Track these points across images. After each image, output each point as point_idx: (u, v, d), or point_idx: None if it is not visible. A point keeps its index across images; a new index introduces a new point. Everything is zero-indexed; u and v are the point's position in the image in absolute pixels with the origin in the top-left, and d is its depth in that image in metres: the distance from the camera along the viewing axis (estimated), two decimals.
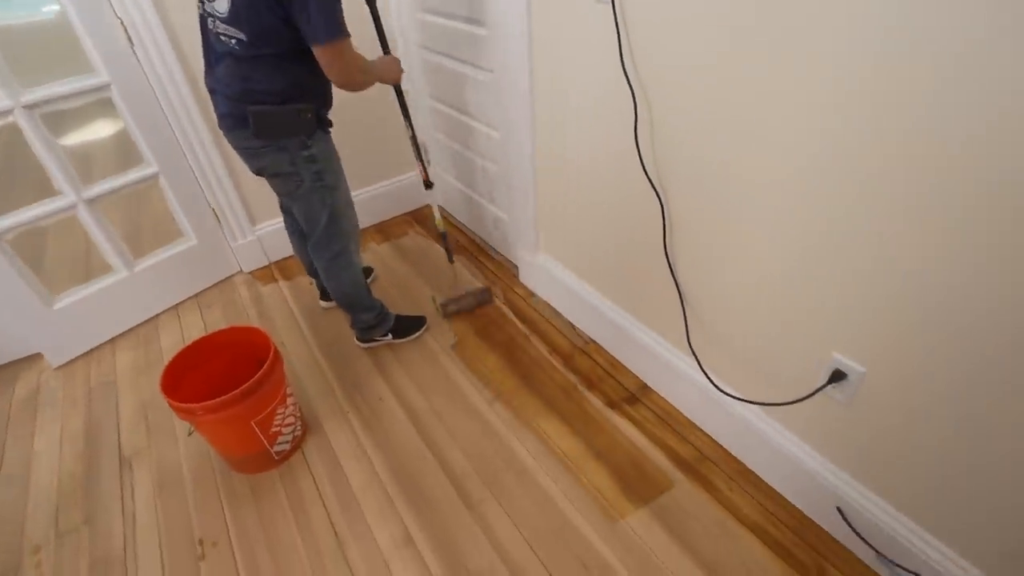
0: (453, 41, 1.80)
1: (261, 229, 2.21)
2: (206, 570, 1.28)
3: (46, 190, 1.73)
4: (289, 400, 1.45)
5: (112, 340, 1.98)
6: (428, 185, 1.86)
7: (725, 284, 1.21)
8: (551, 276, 1.83)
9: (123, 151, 1.89)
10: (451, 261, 2.04)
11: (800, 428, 1.21)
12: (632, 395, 1.57)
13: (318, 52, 1.21)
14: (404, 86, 1.62)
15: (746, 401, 1.27)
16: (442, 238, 1.96)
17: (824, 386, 1.08)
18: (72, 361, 1.91)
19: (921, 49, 0.73)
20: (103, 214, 1.84)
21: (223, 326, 1.47)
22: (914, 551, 1.05)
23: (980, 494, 0.93)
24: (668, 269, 1.32)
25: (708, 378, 1.31)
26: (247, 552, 1.31)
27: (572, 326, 1.82)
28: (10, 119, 1.57)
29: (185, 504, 1.42)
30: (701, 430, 1.45)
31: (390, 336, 1.80)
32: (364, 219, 2.08)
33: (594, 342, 1.75)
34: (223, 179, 2.02)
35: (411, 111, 2.27)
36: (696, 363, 1.34)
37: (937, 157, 0.77)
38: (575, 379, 1.65)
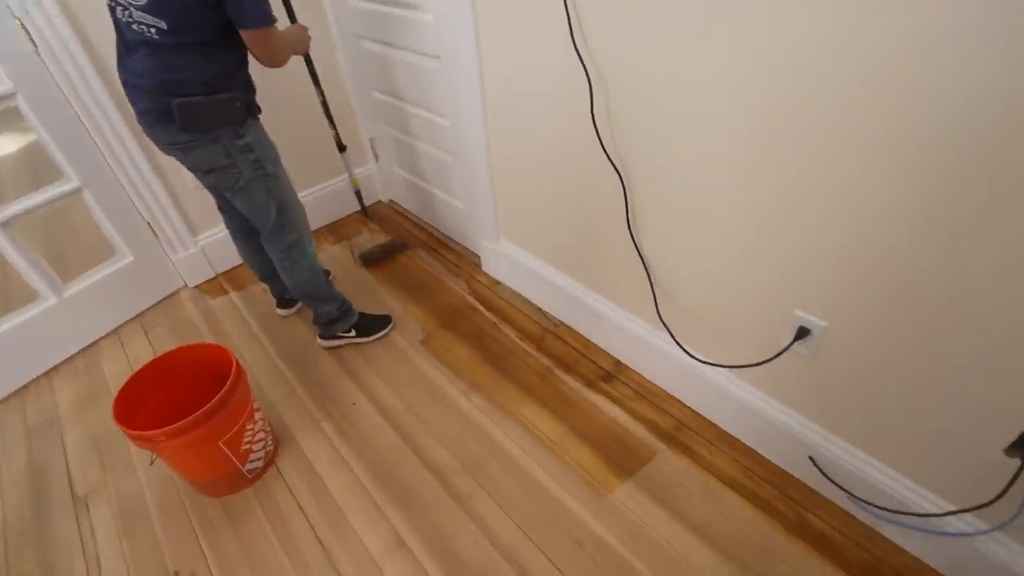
0: (395, 29, 1.74)
1: (204, 239, 2.09)
2: None
3: None
4: (257, 415, 1.38)
5: (47, 373, 1.82)
6: (341, 147, 1.93)
7: (689, 256, 1.24)
8: (515, 263, 1.82)
9: (36, 166, 1.73)
10: (366, 216, 2.24)
11: (771, 387, 1.26)
12: (608, 373, 1.60)
13: (248, 37, 1.19)
14: (315, 56, 1.68)
15: (719, 366, 1.31)
16: (357, 196, 2.11)
17: (791, 344, 1.12)
18: (3, 400, 1.75)
19: (864, 9, 0.76)
20: (20, 237, 1.68)
21: (173, 346, 1.38)
22: (882, 488, 1.12)
23: (938, 430, 1.00)
24: (633, 246, 1.34)
25: (682, 348, 1.34)
26: None
27: (541, 311, 1.82)
28: None
29: (154, 537, 1.34)
30: (677, 400, 1.49)
31: (354, 333, 1.75)
32: (315, 220, 2.00)
33: (564, 324, 1.76)
34: (155, 188, 1.88)
35: (355, 105, 2.19)
36: (669, 336, 1.37)
37: (875, 123, 0.80)
38: (549, 362, 1.65)
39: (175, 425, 1.15)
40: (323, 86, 1.79)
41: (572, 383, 1.58)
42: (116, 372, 1.80)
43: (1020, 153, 0.71)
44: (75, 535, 1.36)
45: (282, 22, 1.44)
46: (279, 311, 1.93)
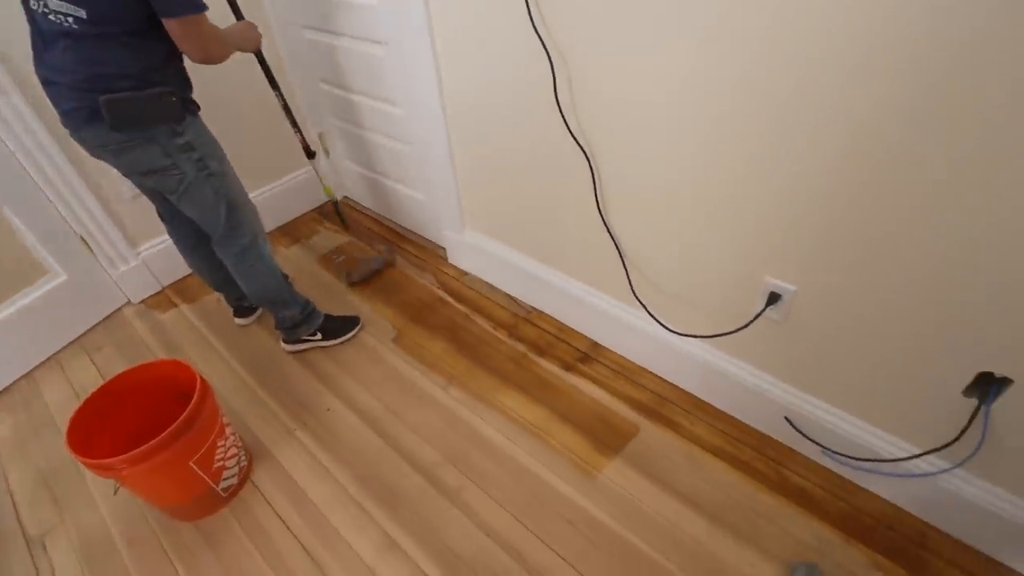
0: (336, 15, 1.67)
1: (145, 250, 1.95)
2: None
3: None
4: (228, 430, 1.31)
5: None
6: (310, 154, 1.83)
7: (659, 231, 1.26)
8: (482, 251, 1.80)
9: None
10: (345, 225, 2.11)
11: (745, 353, 1.30)
12: (584, 354, 1.61)
13: (171, 27, 1.09)
14: (268, 54, 1.60)
15: (695, 336, 1.34)
16: (333, 206, 2.00)
17: (763, 310, 1.16)
18: None
19: None
20: None
21: (122, 367, 1.28)
22: (854, 440, 1.18)
23: (902, 379, 1.06)
24: (603, 225, 1.34)
25: (659, 323, 1.36)
26: None
27: (512, 298, 1.81)
28: None
29: (125, 572, 1.25)
30: (655, 375, 1.52)
31: (319, 336, 1.68)
32: (266, 223, 1.90)
33: (537, 310, 1.75)
34: (86, 198, 1.74)
35: (300, 99, 2.10)
36: (645, 312, 1.39)
37: (828, 90, 0.83)
38: (525, 349, 1.65)
39: (140, 449, 1.07)
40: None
41: (550, 367, 1.58)
42: (60, 400, 1.66)
43: (978, 118, 0.75)
44: None
45: (228, 20, 1.35)
46: (237, 320, 1.84)
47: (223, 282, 1.67)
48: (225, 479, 1.30)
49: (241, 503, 1.35)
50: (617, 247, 1.35)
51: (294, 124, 1.79)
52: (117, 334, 1.87)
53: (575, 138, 1.24)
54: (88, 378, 1.72)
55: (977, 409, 0.97)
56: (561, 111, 1.22)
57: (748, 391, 1.31)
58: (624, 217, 1.31)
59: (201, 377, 1.22)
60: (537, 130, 1.32)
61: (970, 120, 0.76)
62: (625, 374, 1.54)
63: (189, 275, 2.05)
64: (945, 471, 1.07)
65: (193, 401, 1.16)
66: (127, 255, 1.91)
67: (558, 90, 1.20)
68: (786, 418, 1.27)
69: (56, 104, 1.17)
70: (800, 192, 0.98)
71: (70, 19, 1.05)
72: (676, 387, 1.49)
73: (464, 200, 1.74)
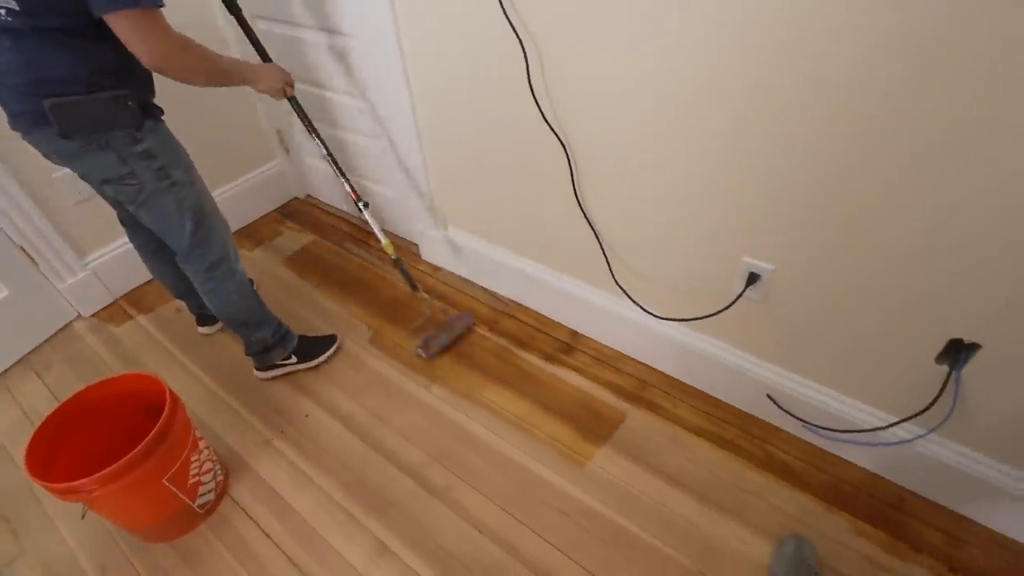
0: (294, 5, 1.60)
1: (95, 260, 1.83)
2: None
3: None
4: (201, 444, 1.24)
5: None
6: (363, 204, 1.55)
7: (638, 217, 1.26)
8: (456, 246, 1.77)
9: None
10: (415, 289, 1.66)
11: (726, 334, 1.32)
12: (566, 344, 1.60)
13: (111, 23, 0.97)
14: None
15: (678, 320, 1.36)
16: (397, 265, 1.63)
17: (744, 291, 1.18)
18: None
19: None
20: None
21: (78, 385, 1.20)
22: (834, 412, 1.22)
23: (877, 351, 1.10)
24: (581, 213, 1.34)
25: (642, 308, 1.37)
26: None
27: (489, 292, 1.79)
28: None
29: None
30: (637, 361, 1.53)
31: (294, 359, 1.58)
32: None
33: (516, 303, 1.74)
34: (26, 206, 1.61)
35: (256, 95, 2.00)
36: (626, 299, 1.39)
37: (798, 68, 0.85)
38: (506, 342, 1.63)
39: (109, 469, 1.01)
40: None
41: (532, 360, 1.58)
42: (9, 424, 1.55)
43: (949, 100, 0.77)
44: None
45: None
46: (201, 329, 1.75)
47: (187, 291, 1.58)
48: (202, 495, 1.24)
49: (220, 519, 1.29)
50: (596, 235, 1.35)
51: (341, 173, 1.53)
52: (68, 350, 1.75)
53: (550, 126, 1.23)
54: (39, 399, 1.61)
55: (948, 375, 1.01)
56: (535, 98, 1.20)
57: (730, 371, 1.34)
58: (602, 204, 1.31)
59: (170, 389, 1.15)
60: (511, 119, 1.30)
61: (941, 102, 0.78)
62: (607, 362, 1.54)
63: (144, 284, 1.94)
64: (920, 437, 1.12)
65: (164, 414, 1.09)
66: (74, 266, 1.79)
67: (531, 77, 1.18)
68: (768, 395, 1.30)
69: (4, 106, 1.08)
70: (775, 172, 1.00)
71: (3, 11, 0.96)
72: (658, 372, 1.50)
73: (436, 194, 1.71)
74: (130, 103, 1.10)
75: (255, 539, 1.24)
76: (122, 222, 1.44)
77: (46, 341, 1.79)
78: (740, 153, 1.01)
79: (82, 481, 0.99)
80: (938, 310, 0.97)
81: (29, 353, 1.75)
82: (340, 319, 1.75)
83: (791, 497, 1.23)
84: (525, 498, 1.27)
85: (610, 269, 1.38)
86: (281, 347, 1.54)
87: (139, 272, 1.92)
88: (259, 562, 1.20)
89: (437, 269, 1.91)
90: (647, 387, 1.47)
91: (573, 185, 1.30)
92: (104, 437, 1.19)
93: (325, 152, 1.51)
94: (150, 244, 1.45)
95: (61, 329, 1.82)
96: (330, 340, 1.64)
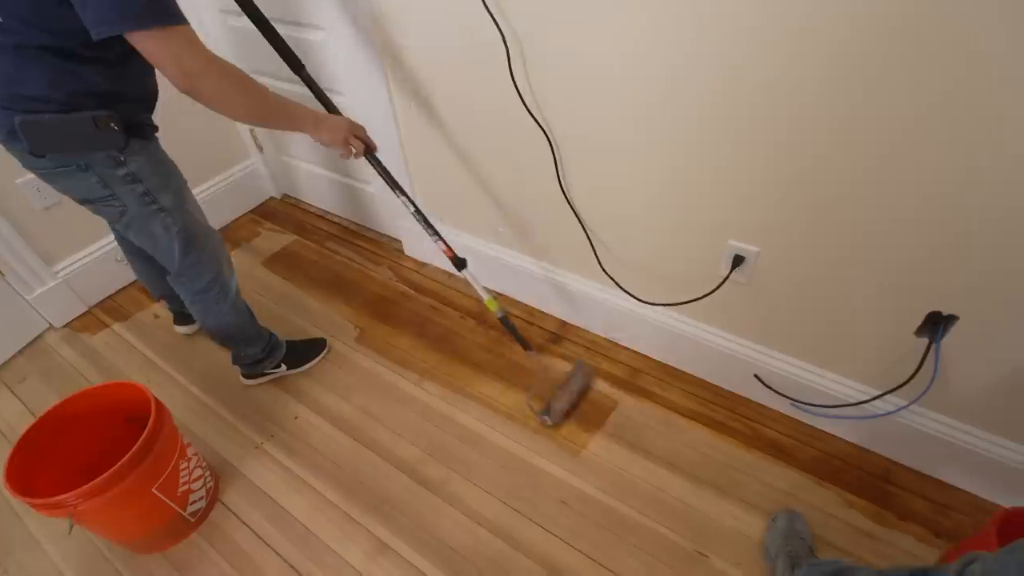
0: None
1: (65, 268, 1.77)
2: None
3: None
4: (189, 451, 1.22)
5: None
6: (460, 263, 1.34)
7: (623, 204, 1.27)
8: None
9: None
10: (528, 349, 1.44)
11: (713, 318, 1.34)
12: (555, 334, 1.61)
13: (136, 44, 0.86)
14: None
15: (666, 305, 1.37)
16: (503, 324, 1.41)
17: (730, 273, 1.20)
18: None
19: None
20: None
21: (53, 398, 1.16)
22: (819, 389, 1.25)
23: (859, 326, 1.13)
24: (566, 202, 1.34)
25: (629, 294, 1.38)
26: None
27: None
28: None
29: None
30: (626, 348, 1.55)
31: (283, 368, 1.54)
32: None
33: (503, 295, 1.74)
34: None
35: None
36: (613, 286, 1.40)
37: (778, 50, 0.86)
38: (495, 335, 1.63)
39: (95, 482, 0.97)
40: None
41: (522, 351, 1.57)
42: None
43: (932, 78, 0.79)
44: None
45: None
46: (178, 328, 1.70)
47: (170, 292, 1.53)
48: (192, 503, 1.21)
49: (213, 527, 1.26)
50: (582, 223, 1.36)
51: (433, 231, 1.34)
52: (41, 363, 1.69)
53: (533, 116, 1.22)
54: (13, 414, 1.55)
55: (928, 347, 1.05)
56: (517, 88, 1.19)
57: (718, 354, 1.36)
58: (587, 192, 1.31)
59: (154, 396, 1.12)
60: (492, 110, 1.30)
61: (919, 85, 0.80)
62: (597, 350, 1.55)
63: (118, 292, 1.88)
64: (903, 408, 1.15)
65: (150, 422, 1.06)
66: (43, 275, 1.73)
67: (512, 68, 1.17)
68: (756, 375, 1.33)
69: None
70: (758, 154, 1.01)
71: None
72: (648, 358, 1.52)
73: (418, 188, 1.69)
74: (113, 125, 1.00)
75: (250, 544, 1.22)
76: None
77: (17, 354, 1.72)
78: (723, 137, 1.03)
79: (67, 495, 0.96)
80: (917, 284, 1.00)
81: (0, 367, 1.68)
82: (325, 319, 1.73)
83: (782, 473, 1.26)
84: (522, 488, 1.27)
85: (597, 257, 1.39)
86: (270, 358, 1.51)
87: (113, 279, 1.87)
88: (256, 567, 1.18)
89: (423, 264, 1.89)
90: (638, 374, 1.49)
91: (558, 175, 1.30)
92: (87, 450, 1.16)
93: (414, 210, 1.32)
94: (135, 247, 1.39)
95: (32, 341, 1.76)
96: (319, 344, 1.61)
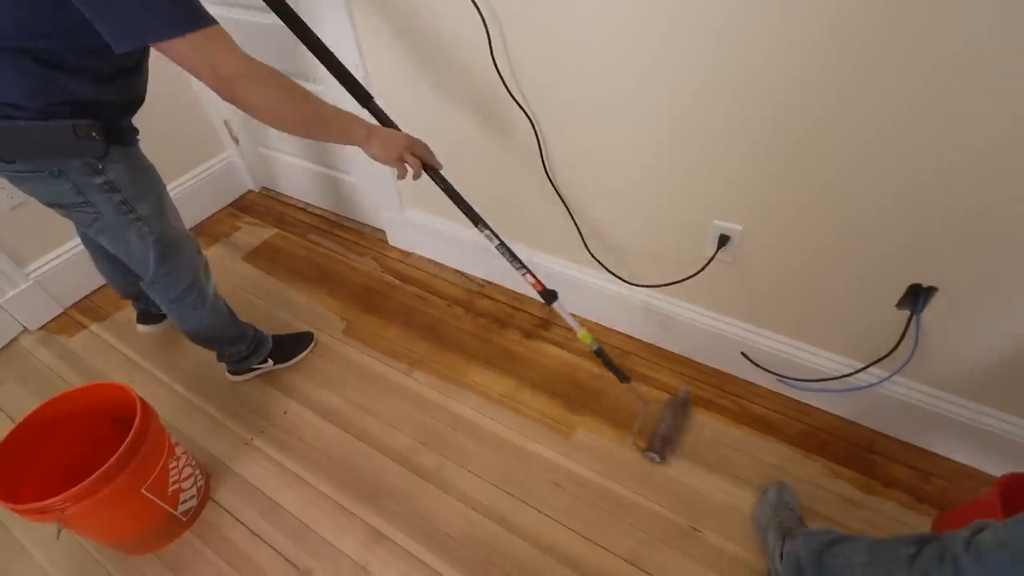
0: None
1: (37, 270, 1.71)
2: None
3: None
4: (178, 450, 1.20)
5: None
6: (550, 296, 1.21)
7: (607, 186, 1.27)
8: (425, 229, 1.74)
9: None
10: (625, 380, 1.30)
11: (700, 298, 1.36)
12: (543, 320, 1.61)
13: (167, 54, 0.81)
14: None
15: (653, 287, 1.38)
16: (599, 356, 1.28)
17: (716, 253, 1.21)
18: None
19: None
20: None
21: (31, 402, 1.13)
22: (804, 364, 1.27)
23: (842, 301, 1.15)
24: (551, 187, 1.33)
25: (616, 276, 1.39)
26: None
27: (462, 274, 1.78)
28: None
29: None
30: (615, 330, 1.56)
31: (271, 363, 1.52)
32: None
33: (490, 283, 1.73)
34: None
35: (197, 84, 1.91)
36: (601, 270, 1.40)
37: (762, 35, 0.86)
38: (484, 322, 1.63)
39: (82, 485, 0.95)
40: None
41: (511, 337, 1.58)
42: None
43: (918, 62, 0.80)
44: None
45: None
46: (141, 328, 1.65)
47: (138, 292, 1.49)
48: (184, 502, 1.20)
49: (206, 525, 1.25)
50: (567, 207, 1.35)
51: (520, 264, 1.21)
52: (17, 367, 1.65)
53: (516, 100, 1.21)
54: None
55: (909, 319, 1.07)
56: (499, 72, 1.18)
57: (706, 333, 1.37)
58: (571, 176, 1.30)
59: (139, 396, 1.10)
60: (475, 95, 1.28)
61: (908, 64, 0.80)
62: None
63: (95, 292, 1.83)
64: (886, 380, 1.18)
65: (137, 421, 1.04)
66: (15, 277, 1.67)
67: (494, 52, 1.16)
68: (742, 353, 1.35)
69: None
70: (743, 134, 1.01)
71: None
72: (635, 339, 1.53)
73: (403, 183, 1.66)
74: (95, 135, 0.95)
75: (244, 540, 1.21)
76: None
77: None
78: (708, 116, 1.02)
79: (54, 499, 0.94)
80: (898, 258, 1.02)
81: None
82: (311, 312, 1.71)
83: (770, 448, 1.28)
84: (516, 473, 1.28)
85: (583, 239, 1.39)
86: (256, 354, 1.48)
87: (88, 279, 1.82)
88: (251, 562, 1.18)
89: (407, 254, 1.88)
90: (627, 355, 1.50)
91: (542, 158, 1.29)
92: (71, 453, 1.13)
93: (498, 243, 1.19)
94: (100, 247, 1.35)
95: (7, 345, 1.71)
96: (306, 338, 1.59)
